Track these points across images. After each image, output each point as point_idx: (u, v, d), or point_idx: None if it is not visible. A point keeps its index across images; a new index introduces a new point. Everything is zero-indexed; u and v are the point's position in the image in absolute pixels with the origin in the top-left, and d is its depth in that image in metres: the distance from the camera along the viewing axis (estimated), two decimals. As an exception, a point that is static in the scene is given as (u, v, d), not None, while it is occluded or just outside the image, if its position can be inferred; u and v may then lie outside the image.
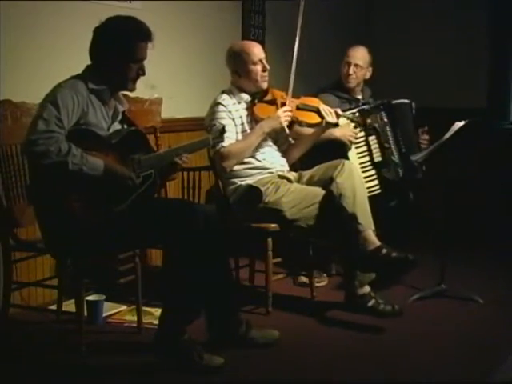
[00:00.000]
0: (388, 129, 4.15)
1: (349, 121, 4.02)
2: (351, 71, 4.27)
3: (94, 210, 2.77)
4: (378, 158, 4.11)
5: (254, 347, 3.10)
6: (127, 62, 2.89)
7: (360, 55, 4.30)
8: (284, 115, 3.61)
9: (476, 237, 5.02)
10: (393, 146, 4.14)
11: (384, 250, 3.34)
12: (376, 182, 4.07)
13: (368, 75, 4.38)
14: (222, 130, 3.22)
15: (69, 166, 2.64)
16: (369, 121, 4.06)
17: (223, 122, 3.47)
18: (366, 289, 3.57)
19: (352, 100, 4.28)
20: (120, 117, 3.03)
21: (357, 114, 4.03)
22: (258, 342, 3.13)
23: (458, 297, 3.83)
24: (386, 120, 4.15)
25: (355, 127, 4.08)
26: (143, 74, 2.95)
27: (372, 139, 4.12)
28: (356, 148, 4.08)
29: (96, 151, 2.77)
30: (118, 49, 2.87)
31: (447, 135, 3.75)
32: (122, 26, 2.90)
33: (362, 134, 4.10)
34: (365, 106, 4.15)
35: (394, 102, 4.21)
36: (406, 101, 4.30)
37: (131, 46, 2.88)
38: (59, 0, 3.64)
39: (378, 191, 4.04)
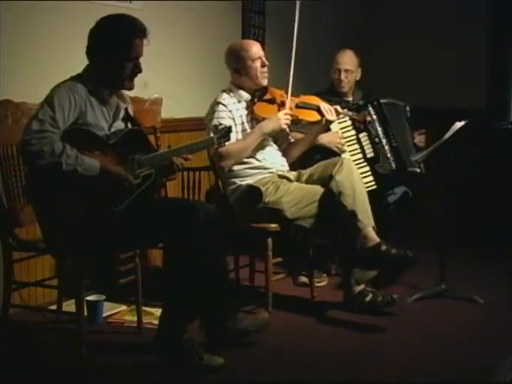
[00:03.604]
0: (377, 125, 4.20)
1: (345, 120, 4.09)
2: (342, 77, 4.36)
3: (93, 210, 2.77)
4: (370, 154, 4.17)
5: (248, 335, 3.10)
6: (123, 60, 2.88)
7: (348, 60, 4.37)
8: (284, 118, 3.62)
9: (476, 237, 5.02)
10: (383, 141, 4.20)
11: (383, 247, 3.36)
12: (371, 178, 4.12)
13: (358, 77, 4.46)
14: (228, 130, 3.21)
15: (63, 167, 2.64)
16: (368, 118, 4.10)
17: (223, 121, 3.47)
18: (362, 286, 3.57)
19: (342, 102, 4.29)
20: (122, 114, 3.02)
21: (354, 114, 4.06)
22: (250, 330, 3.12)
23: (458, 297, 3.83)
24: (374, 117, 4.21)
25: (353, 125, 4.12)
26: (139, 71, 2.93)
27: (363, 136, 4.18)
28: (348, 146, 4.14)
29: (95, 151, 2.77)
30: (113, 47, 2.86)
31: (447, 135, 3.75)
32: (115, 24, 2.89)
33: (353, 132, 4.15)
34: (353, 106, 4.23)
35: (381, 100, 4.26)
36: (400, 102, 4.38)
37: (126, 43, 2.87)
38: (59, 0, 3.64)
39: (374, 187, 4.07)
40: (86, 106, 2.84)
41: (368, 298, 3.56)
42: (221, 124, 3.44)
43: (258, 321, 3.18)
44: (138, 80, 2.99)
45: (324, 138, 4.01)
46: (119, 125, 3.00)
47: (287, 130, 3.69)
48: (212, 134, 3.20)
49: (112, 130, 2.95)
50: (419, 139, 4.38)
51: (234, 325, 3.09)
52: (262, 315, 3.23)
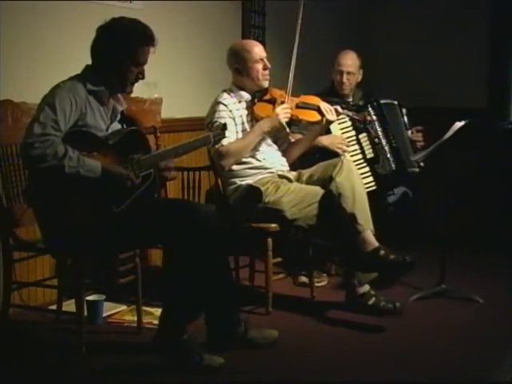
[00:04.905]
0: (377, 125, 4.19)
1: (345, 121, 4.09)
2: (345, 79, 4.34)
3: (93, 211, 2.77)
4: (370, 154, 4.17)
5: (254, 347, 3.10)
6: (129, 65, 2.89)
7: (351, 62, 4.35)
8: (283, 112, 3.62)
9: (476, 237, 5.02)
10: (383, 141, 4.19)
11: (382, 252, 3.35)
12: (370, 178, 4.11)
13: (359, 78, 4.43)
14: (224, 127, 3.20)
15: (65, 169, 2.64)
16: (368, 118, 4.10)
17: (224, 121, 3.47)
18: (366, 287, 3.57)
19: (342, 103, 4.28)
20: (119, 117, 3.03)
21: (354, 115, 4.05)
22: (257, 342, 3.12)
23: (458, 297, 3.83)
24: (374, 117, 4.20)
25: (353, 126, 4.12)
26: (143, 77, 2.95)
27: (362, 137, 4.18)
28: (348, 147, 4.12)
29: (95, 152, 2.77)
30: (121, 51, 2.86)
31: (447, 135, 3.75)
32: (127, 28, 2.88)
33: (353, 133, 4.15)
34: (353, 107, 4.22)
35: (381, 101, 4.26)
36: (394, 102, 4.36)
37: (135, 49, 2.87)
38: (59, 0, 3.64)
39: (374, 187, 4.07)
40: (86, 107, 2.83)
41: (371, 302, 3.55)
42: (216, 121, 3.45)
43: (267, 336, 3.16)
44: (146, 80, 3.00)
45: (326, 140, 4.01)
46: (116, 126, 3.00)
47: (287, 128, 3.68)
48: (208, 132, 3.20)
49: (109, 131, 2.94)
50: (416, 136, 4.38)
51: (244, 333, 3.10)
52: (273, 332, 3.19)
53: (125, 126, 3.04)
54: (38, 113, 2.71)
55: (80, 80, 2.86)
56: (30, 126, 2.68)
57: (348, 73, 4.32)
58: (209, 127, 3.51)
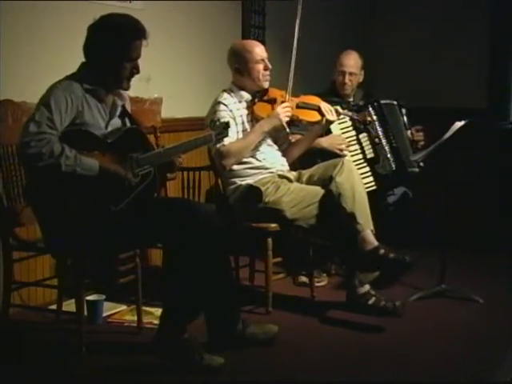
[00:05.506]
0: (377, 125, 4.19)
1: (346, 121, 4.10)
2: (347, 80, 4.34)
3: (92, 210, 2.77)
4: (370, 154, 4.17)
5: (254, 344, 3.10)
6: (122, 61, 2.87)
7: (353, 62, 4.35)
8: (283, 111, 3.61)
9: (476, 237, 5.02)
10: (383, 141, 4.19)
11: (382, 251, 3.35)
12: (371, 178, 4.11)
13: (361, 79, 4.43)
14: (226, 126, 3.19)
15: (62, 168, 2.64)
16: (368, 118, 4.10)
17: (224, 121, 3.47)
18: (366, 287, 3.57)
19: (343, 103, 4.28)
20: (119, 111, 3.01)
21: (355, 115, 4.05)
22: (257, 338, 3.12)
23: (458, 297, 3.83)
24: (374, 117, 4.20)
25: (354, 126, 4.12)
26: (138, 72, 2.93)
27: (363, 137, 4.18)
28: (348, 147, 4.12)
29: (93, 151, 2.76)
30: (113, 47, 2.85)
31: (447, 135, 3.75)
32: (116, 24, 2.88)
33: (353, 132, 4.15)
34: (354, 107, 4.22)
35: (381, 101, 4.27)
36: (394, 102, 4.36)
37: (126, 44, 2.86)
38: (60, 0, 3.64)
39: (374, 187, 4.07)
40: (83, 105, 2.83)
41: (371, 302, 3.55)
42: (218, 120, 3.45)
43: (267, 331, 3.16)
44: (140, 76, 2.99)
45: (325, 142, 4.02)
46: (116, 122, 2.99)
47: (287, 128, 3.68)
48: (210, 131, 3.19)
49: (109, 127, 2.94)
50: (417, 136, 4.38)
51: (242, 330, 3.10)
52: (272, 328, 3.19)
53: (126, 121, 3.03)
54: (34, 112, 2.72)
55: (76, 79, 2.85)
56: (26, 125, 2.68)
57: (350, 73, 4.33)
58: (210, 126, 3.51)
